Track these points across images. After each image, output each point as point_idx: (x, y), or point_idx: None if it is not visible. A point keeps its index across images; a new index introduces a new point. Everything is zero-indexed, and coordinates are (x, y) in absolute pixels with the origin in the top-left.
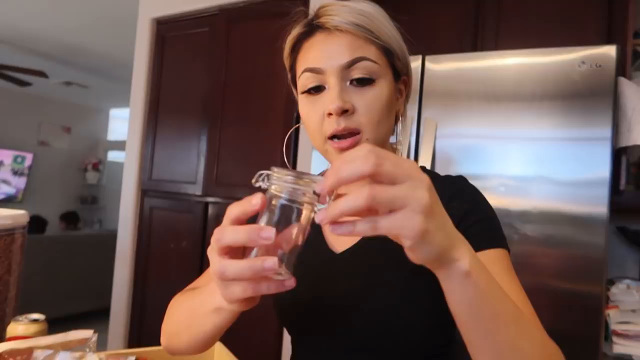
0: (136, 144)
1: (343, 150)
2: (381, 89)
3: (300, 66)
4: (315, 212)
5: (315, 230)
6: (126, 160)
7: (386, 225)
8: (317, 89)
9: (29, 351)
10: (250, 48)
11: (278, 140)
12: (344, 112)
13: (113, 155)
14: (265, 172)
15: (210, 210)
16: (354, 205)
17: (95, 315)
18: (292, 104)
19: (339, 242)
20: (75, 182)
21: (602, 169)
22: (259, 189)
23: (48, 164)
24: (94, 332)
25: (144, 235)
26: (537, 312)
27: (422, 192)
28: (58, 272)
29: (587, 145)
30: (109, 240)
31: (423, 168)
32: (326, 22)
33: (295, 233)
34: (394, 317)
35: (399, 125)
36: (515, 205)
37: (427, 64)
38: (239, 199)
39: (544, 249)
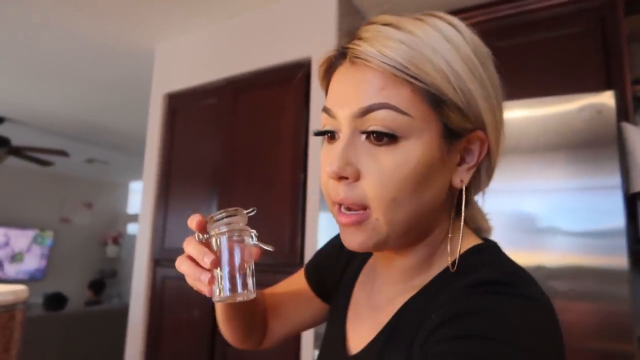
0: (148, 215)
1: (345, 225)
2: (407, 152)
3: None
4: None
5: (338, 326)
6: (139, 232)
7: None
8: (332, 136)
9: None
10: (256, 115)
11: (286, 202)
12: (342, 178)
13: (132, 228)
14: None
15: None
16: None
17: None
18: (299, 167)
19: (358, 340)
20: (96, 257)
21: (616, 218)
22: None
23: (69, 240)
24: None
25: (157, 306)
26: None
27: None
28: (76, 347)
29: (598, 194)
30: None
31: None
32: (351, 49)
33: (238, 257)
34: None
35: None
36: (529, 261)
37: None
38: None
39: (566, 304)
